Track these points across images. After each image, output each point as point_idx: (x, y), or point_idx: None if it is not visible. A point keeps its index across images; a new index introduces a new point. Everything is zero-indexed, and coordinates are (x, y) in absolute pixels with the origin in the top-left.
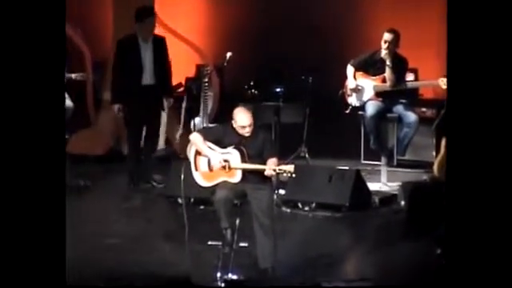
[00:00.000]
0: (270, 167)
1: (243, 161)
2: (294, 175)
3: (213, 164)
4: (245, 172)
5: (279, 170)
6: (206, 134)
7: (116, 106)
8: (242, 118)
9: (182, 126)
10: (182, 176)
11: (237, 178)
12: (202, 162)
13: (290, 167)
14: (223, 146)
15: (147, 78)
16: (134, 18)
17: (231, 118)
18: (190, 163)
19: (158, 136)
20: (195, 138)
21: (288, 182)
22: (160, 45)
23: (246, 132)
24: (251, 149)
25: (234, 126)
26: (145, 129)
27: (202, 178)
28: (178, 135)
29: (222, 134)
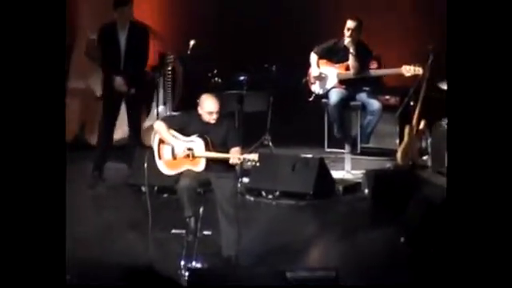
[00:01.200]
0: (235, 156)
1: (207, 149)
2: (258, 164)
3: (176, 152)
4: (209, 160)
5: (243, 158)
6: (170, 123)
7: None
8: (210, 104)
9: (146, 114)
10: (146, 164)
11: (200, 166)
12: (166, 151)
13: (255, 156)
14: (187, 135)
15: (121, 65)
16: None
17: (196, 106)
18: (153, 152)
19: (138, 122)
20: (159, 127)
21: (252, 170)
22: (136, 33)
23: (212, 119)
24: (215, 137)
25: (200, 112)
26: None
27: (165, 167)
28: (142, 123)
29: (186, 123)
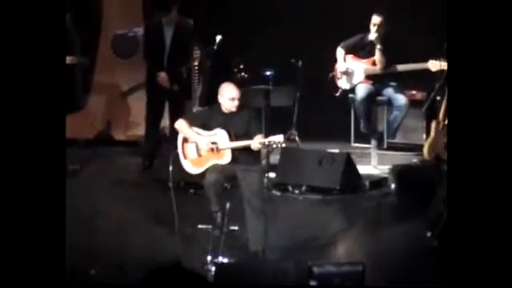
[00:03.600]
0: (259, 141)
1: (231, 140)
2: (283, 145)
3: (201, 148)
4: (234, 152)
5: (268, 141)
6: (192, 120)
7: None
8: (230, 90)
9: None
10: (171, 168)
11: (226, 158)
12: (190, 149)
13: (279, 137)
14: (209, 129)
15: (165, 62)
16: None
17: (217, 100)
18: (177, 153)
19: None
20: (180, 125)
21: (278, 165)
22: (182, 30)
23: (234, 106)
24: (237, 127)
25: (221, 100)
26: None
27: (191, 166)
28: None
29: (207, 117)
